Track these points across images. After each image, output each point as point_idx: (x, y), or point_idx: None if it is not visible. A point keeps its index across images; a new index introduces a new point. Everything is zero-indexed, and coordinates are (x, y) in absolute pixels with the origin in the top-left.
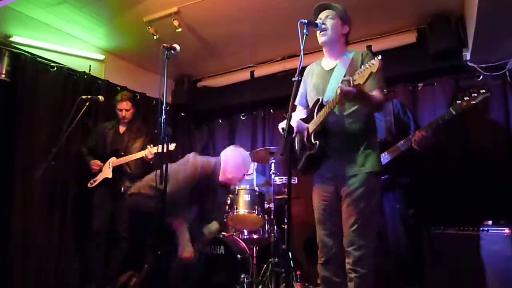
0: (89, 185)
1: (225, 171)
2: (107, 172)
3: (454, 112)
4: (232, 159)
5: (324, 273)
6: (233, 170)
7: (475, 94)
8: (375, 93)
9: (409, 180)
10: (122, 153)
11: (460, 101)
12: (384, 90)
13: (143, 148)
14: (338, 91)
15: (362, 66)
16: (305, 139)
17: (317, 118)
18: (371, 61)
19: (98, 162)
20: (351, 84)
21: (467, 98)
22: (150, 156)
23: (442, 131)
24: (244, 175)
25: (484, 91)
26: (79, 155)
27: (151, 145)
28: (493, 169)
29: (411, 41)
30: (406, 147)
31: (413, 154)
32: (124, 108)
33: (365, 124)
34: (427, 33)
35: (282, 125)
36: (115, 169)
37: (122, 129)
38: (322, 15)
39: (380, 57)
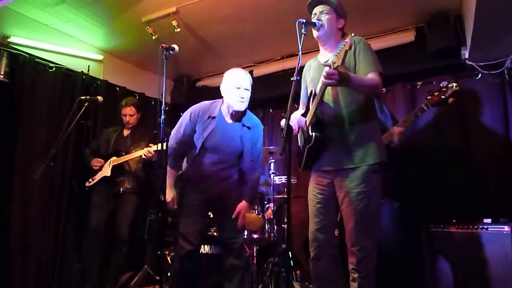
0: (87, 183)
1: None
2: (106, 171)
3: (425, 108)
4: None
5: (316, 269)
6: None
7: (445, 89)
8: (370, 76)
9: (393, 175)
10: (123, 154)
11: (430, 97)
12: (381, 71)
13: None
14: (323, 74)
15: (339, 47)
16: (305, 132)
17: (311, 109)
18: (344, 40)
19: (100, 160)
20: (332, 67)
21: (437, 93)
22: (149, 155)
23: (442, 130)
24: None
25: (452, 85)
26: (82, 156)
27: (151, 144)
28: (492, 167)
29: (410, 39)
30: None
31: (392, 149)
32: (128, 113)
33: (365, 113)
34: (425, 32)
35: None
36: (115, 168)
37: (126, 132)
38: (317, 10)
39: (352, 34)
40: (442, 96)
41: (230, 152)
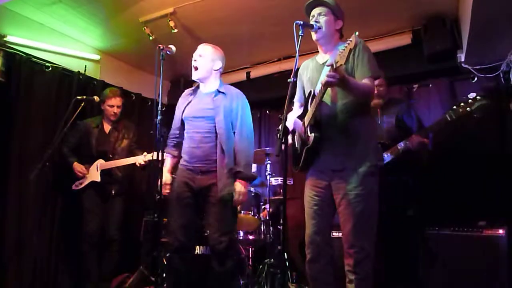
0: (74, 187)
1: None
2: (95, 176)
3: (449, 118)
4: None
5: (313, 271)
6: None
7: (471, 101)
8: (365, 81)
9: (411, 180)
10: (110, 156)
11: (456, 107)
12: (376, 77)
13: (130, 148)
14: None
15: (343, 46)
16: (302, 134)
17: (310, 110)
18: (348, 39)
19: (82, 167)
20: (334, 66)
21: (463, 104)
22: (143, 164)
23: (438, 132)
24: None
25: (480, 98)
26: (61, 156)
27: (145, 153)
28: (488, 169)
29: (406, 42)
30: (404, 149)
31: (412, 156)
32: (116, 104)
33: (361, 115)
34: (422, 35)
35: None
36: (103, 172)
37: (107, 128)
38: (315, 12)
39: (357, 33)
40: (468, 109)
41: (202, 120)
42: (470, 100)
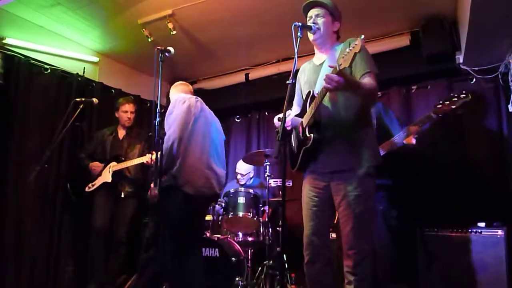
0: (87, 189)
1: None
2: (106, 177)
3: (434, 116)
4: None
5: (311, 273)
6: None
7: (455, 99)
8: (366, 80)
9: (391, 182)
10: (123, 159)
11: (440, 105)
12: (376, 72)
13: (142, 153)
14: (324, 78)
15: (347, 49)
16: (300, 134)
17: (309, 111)
18: (353, 42)
19: (98, 163)
20: (337, 69)
21: (448, 102)
22: (148, 161)
23: (437, 134)
24: None
25: (464, 95)
26: (77, 161)
27: (153, 152)
28: (487, 170)
29: (405, 44)
30: (398, 144)
31: (401, 152)
32: (130, 110)
33: (359, 116)
34: (420, 36)
35: (280, 116)
36: (115, 174)
37: (121, 134)
38: (312, 13)
39: (362, 36)
40: (452, 106)
41: None
42: (453, 98)
